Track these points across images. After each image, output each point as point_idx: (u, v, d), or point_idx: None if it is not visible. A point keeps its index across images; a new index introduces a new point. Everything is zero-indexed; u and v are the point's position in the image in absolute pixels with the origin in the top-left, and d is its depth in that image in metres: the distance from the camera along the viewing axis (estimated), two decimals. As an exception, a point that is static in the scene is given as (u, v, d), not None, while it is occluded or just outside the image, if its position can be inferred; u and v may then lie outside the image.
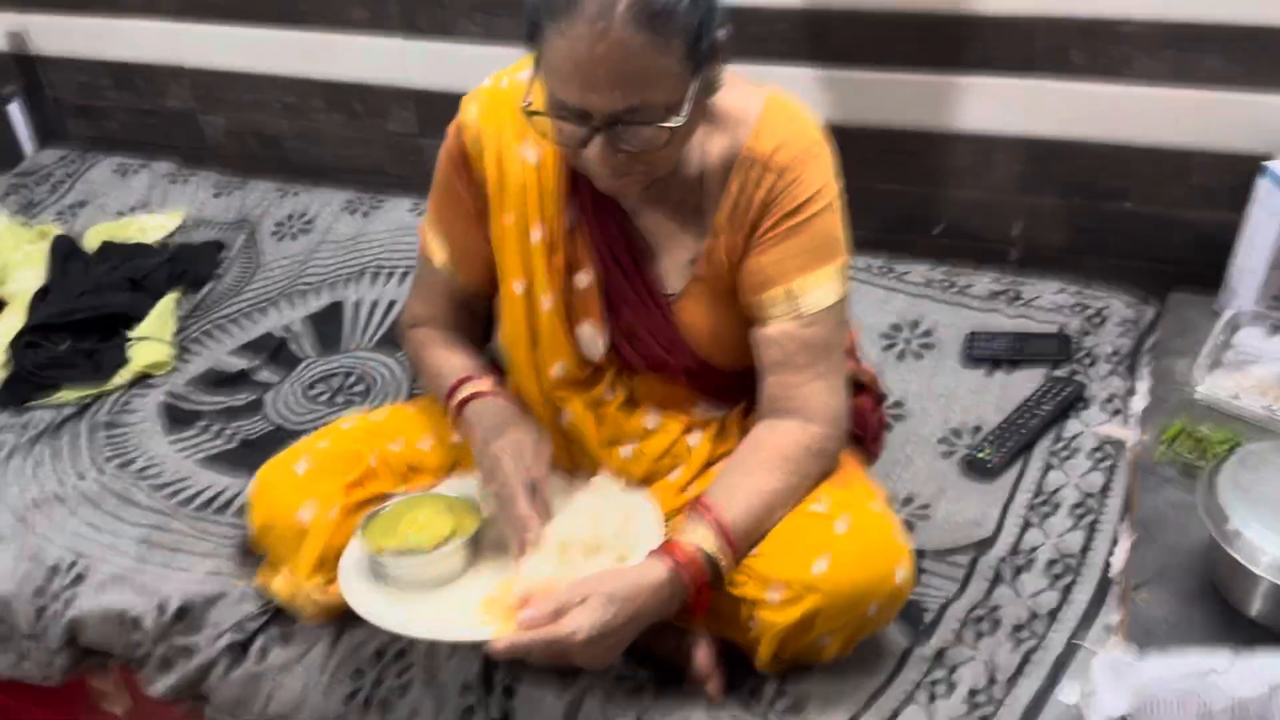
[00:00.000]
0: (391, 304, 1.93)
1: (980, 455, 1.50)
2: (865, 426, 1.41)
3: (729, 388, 1.35)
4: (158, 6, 2.36)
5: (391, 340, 1.84)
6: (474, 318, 1.43)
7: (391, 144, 2.32)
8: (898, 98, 1.85)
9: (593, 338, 1.30)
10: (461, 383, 1.33)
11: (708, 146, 1.21)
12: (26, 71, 2.58)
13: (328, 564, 1.27)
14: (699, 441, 1.35)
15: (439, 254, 1.37)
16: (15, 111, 2.56)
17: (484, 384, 1.33)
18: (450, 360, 1.37)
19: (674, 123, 1.07)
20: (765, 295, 1.22)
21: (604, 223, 1.26)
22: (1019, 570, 1.34)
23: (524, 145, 1.25)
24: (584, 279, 1.28)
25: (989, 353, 1.69)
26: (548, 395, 1.32)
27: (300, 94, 2.33)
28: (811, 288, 1.21)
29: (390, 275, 2.00)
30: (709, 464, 1.35)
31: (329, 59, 2.26)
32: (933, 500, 1.46)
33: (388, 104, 2.26)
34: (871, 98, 1.86)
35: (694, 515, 1.17)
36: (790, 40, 1.87)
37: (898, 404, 1.63)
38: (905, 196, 1.93)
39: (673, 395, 1.35)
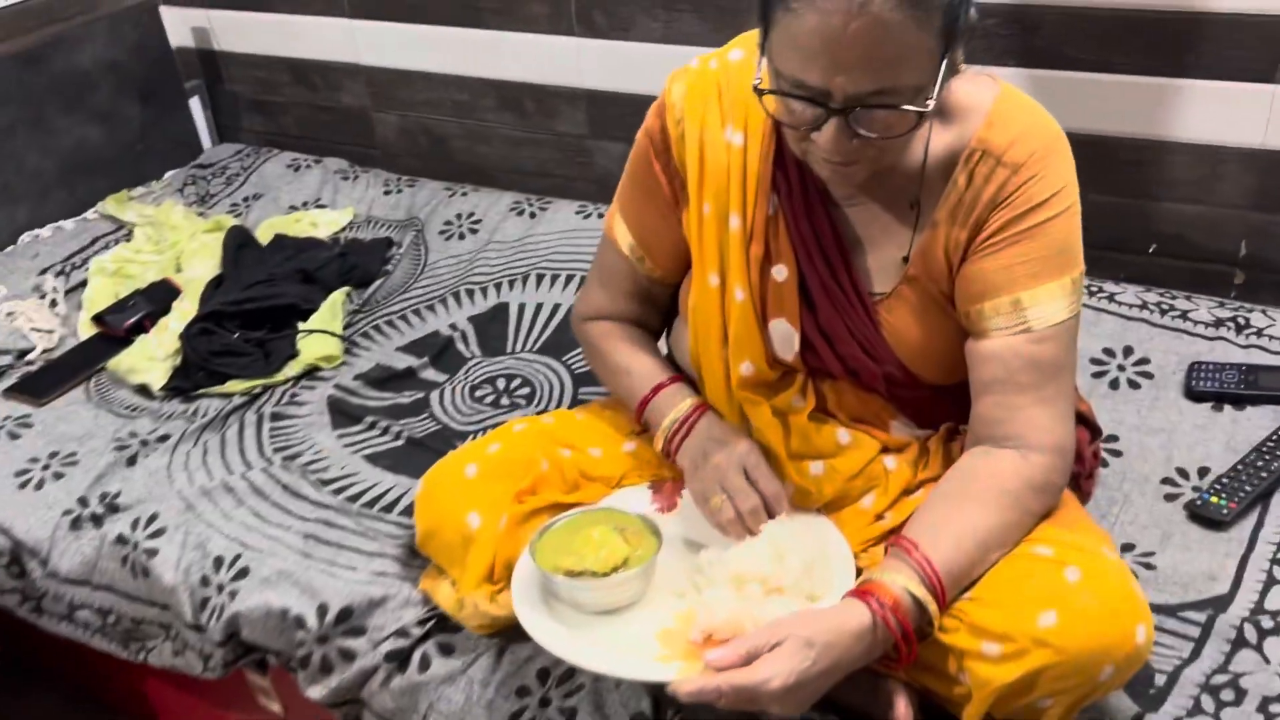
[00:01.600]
0: (556, 308, 1.87)
1: (1212, 500, 1.34)
2: (1081, 461, 1.27)
3: (933, 404, 1.23)
4: (337, 6, 2.37)
5: (557, 344, 1.78)
6: (654, 310, 1.36)
7: (560, 145, 2.27)
8: (1114, 103, 1.70)
9: (787, 335, 1.20)
10: (661, 388, 1.27)
11: (932, 135, 1.11)
12: (208, 67, 2.64)
13: (495, 574, 1.20)
14: (896, 465, 1.23)
15: (626, 239, 1.29)
16: (196, 105, 2.62)
17: (687, 395, 1.27)
18: (639, 359, 1.31)
19: (921, 107, 0.97)
20: (987, 304, 1.10)
21: (808, 212, 1.16)
22: (1265, 634, 1.17)
23: (729, 128, 1.17)
24: (782, 272, 1.19)
25: (1215, 386, 1.52)
26: (734, 398, 1.23)
27: (472, 93, 2.31)
28: (1043, 300, 1.09)
29: (556, 279, 1.95)
30: (908, 491, 1.23)
31: (503, 58, 2.22)
32: (1157, 548, 1.31)
33: (559, 104, 2.21)
34: (1085, 102, 1.71)
35: (895, 553, 1.05)
36: (997, 38, 1.73)
37: (1112, 438, 1.47)
38: (1118, 210, 1.77)
39: (869, 408, 1.24)
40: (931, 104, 0.97)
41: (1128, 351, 1.60)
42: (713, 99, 1.19)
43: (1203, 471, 1.41)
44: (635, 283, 1.32)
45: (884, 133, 0.99)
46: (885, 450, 1.25)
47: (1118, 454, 1.45)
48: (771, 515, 1.17)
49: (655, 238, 1.28)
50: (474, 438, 1.55)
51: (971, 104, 1.10)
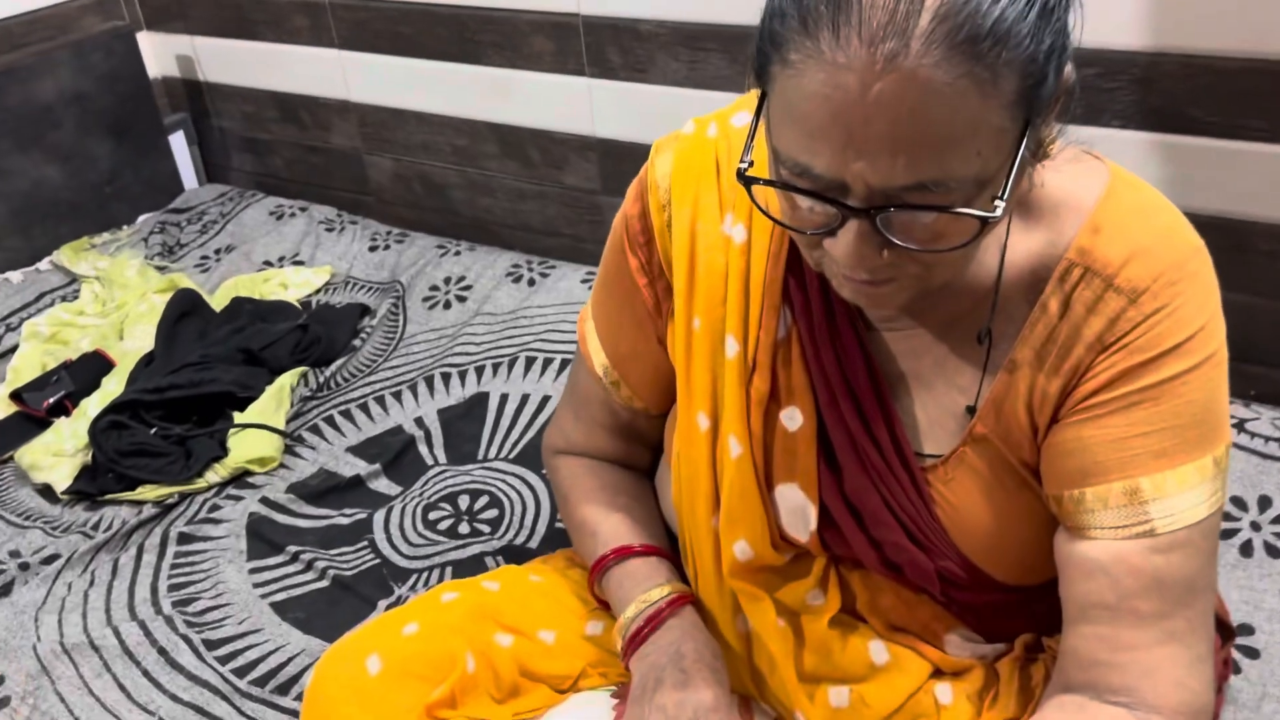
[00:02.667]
0: (544, 402, 1.55)
1: (1394, 740, 0.96)
2: (1208, 676, 0.90)
3: (1007, 612, 0.89)
4: (325, 36, 2.08)
5: (537, 453, 1.45)
6: (642, 447, 1.04)
7: (568, 200, 1.95)
8: (1252, 178, 1.33)
9: (800, 507, 0.87)
10: (623, 554, 0.96)
11: (1012, 239, 0.77)
12: (194, 99, 2.38)
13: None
14: (953, 698, 0.88)
15: (599, 358, 0.98)
16: (179, 142, 2.36)
17: (664, 575, 0.94)
18: (610, 519, 0.99)
19: (986, 210, 0.64)
20: (1090, 491, 0.75)
21: (833, 337, 0.84)
22: None
23: (728, 218, 0.86)
24: (794, 419, 0.86)
25: (1386, 559, 1.14)
26: (726, 588, 0.91)
27: (473, 137, 2.00)
28: (1173, 490, 0.74)
29: (549, 364, 1.62)
30: (969, 738, 0.88)
31: (506, 99, 1.92)
32: (1315, 808, 0.93)
33: (567, 154, 1.90)
34: (1213, 176, 1.35)
35: None
36: (1101, 92, 1.37)
37: (1245, 629, 1.10)
38: (1251, 311, 1.39)
39: (915, 614, 0.90)
40: (1001, 206, 0.64)
41: (1265, 504, 1.23)
42: (708, 177, 0.87)
43: (1375, 688, 1.03)
44: (612, 414, 1.01)
45: (929, 244, 0.66)
46: (937, 674, 0.90)
47: (1253, 654, 1.08)
48: None
49: (633, 358, 0.96)
50: (415, 583, 1.24)
51: (1068, 197, 0.77)
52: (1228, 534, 1.20)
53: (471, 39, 1.89)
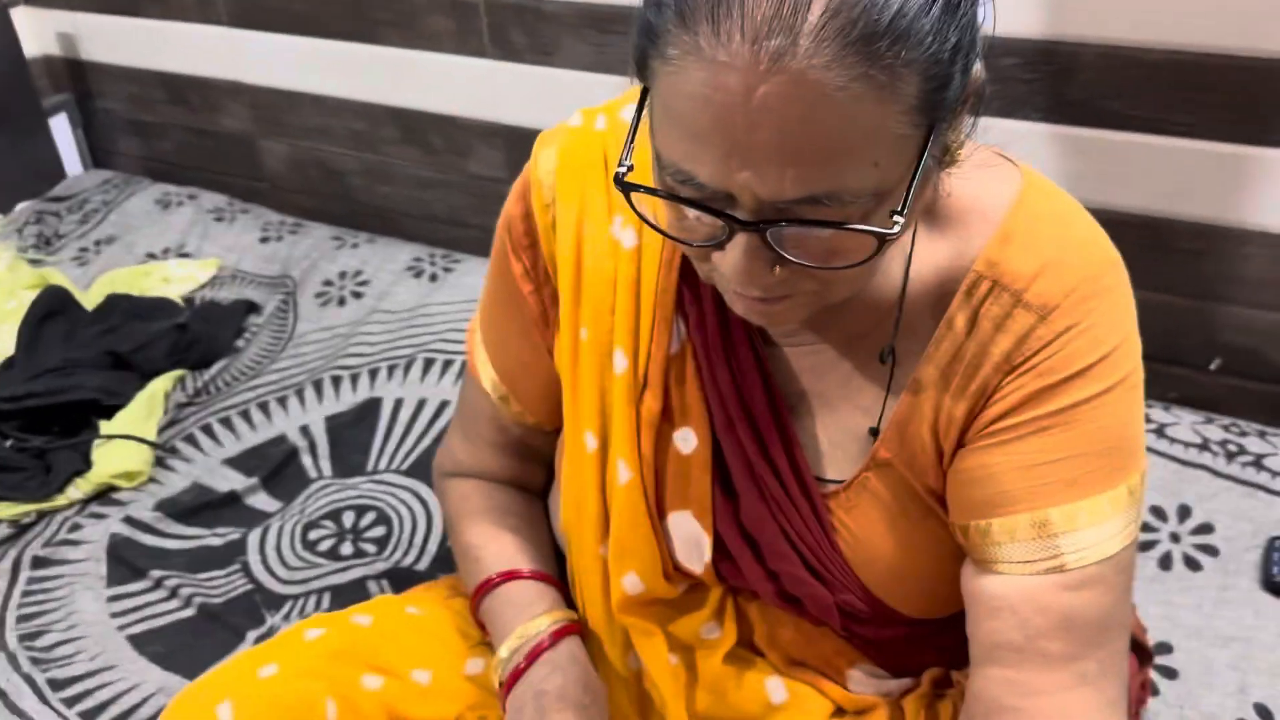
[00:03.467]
0: (443, 407, 1.46)
1: (1315, 770, 0.92)
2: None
3: (912, 646, 0.83)
4: (213, 12, 1.95)
5: (429, 466, 1.36)
6: (535, 465, 0.97)
7: (473, 189, 1.86)
8: (1173, 175, 1.29)
9: (693, 536, 0.81)
10: (511, 578, 0.88)
11: (917, 250, 0.71)
12: (77, 80, 2.23)
13: None
14: (857, 739, 0.82)
15: (487, 372, 0.90)
16: (61, 125, 2.21)
17: (549, 602, 0.87)
18: (498, 540, 0.92)
19: (885, 227, 0.57)
20: (996, 522, 0.69)
21: (729, 353, 0.77)
22: None
23: (618, 220, 0.79)
24: (688, 440, 0.79)
25: (1307, 574, 1.10)
26: (616, 622, 0.84)
27: (371, 121, 1.90)
28: (1084, 522, 0.69)
29: (448, 367, 1.53)
30: (874, 785, 0.82)
31: (404, 82, 1.81)
32: (1235, 845, 0.89)
33: (471, 140, 1.80)
34: (1131, 173, 1.30)
35: None
36: (1019, 83, 1.31)
37: (1161, 648, 1.06)
38: (1171, 313, 1.35)
39: (816, 648, 0.85)
40: (900, 222, 0.58)
41: (1184, 513, 1.19)
42: (596, 175, 0.81)
43: (1296, 711, 0.99)
44: (502, 431, 0.93)
45: (823, 260, 0.60)
46: (839, 713, 0.85)
47: (1171, 674, 1.04)
48: None
49: (521, 370, 0.89)
50: (289, 611, 1.15)
51: (976, 203, 0.71)
52: (1146, 545, 1.16)
53: (368, 17, 1.78)
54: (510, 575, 0.89)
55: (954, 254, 0.71)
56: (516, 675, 0.84)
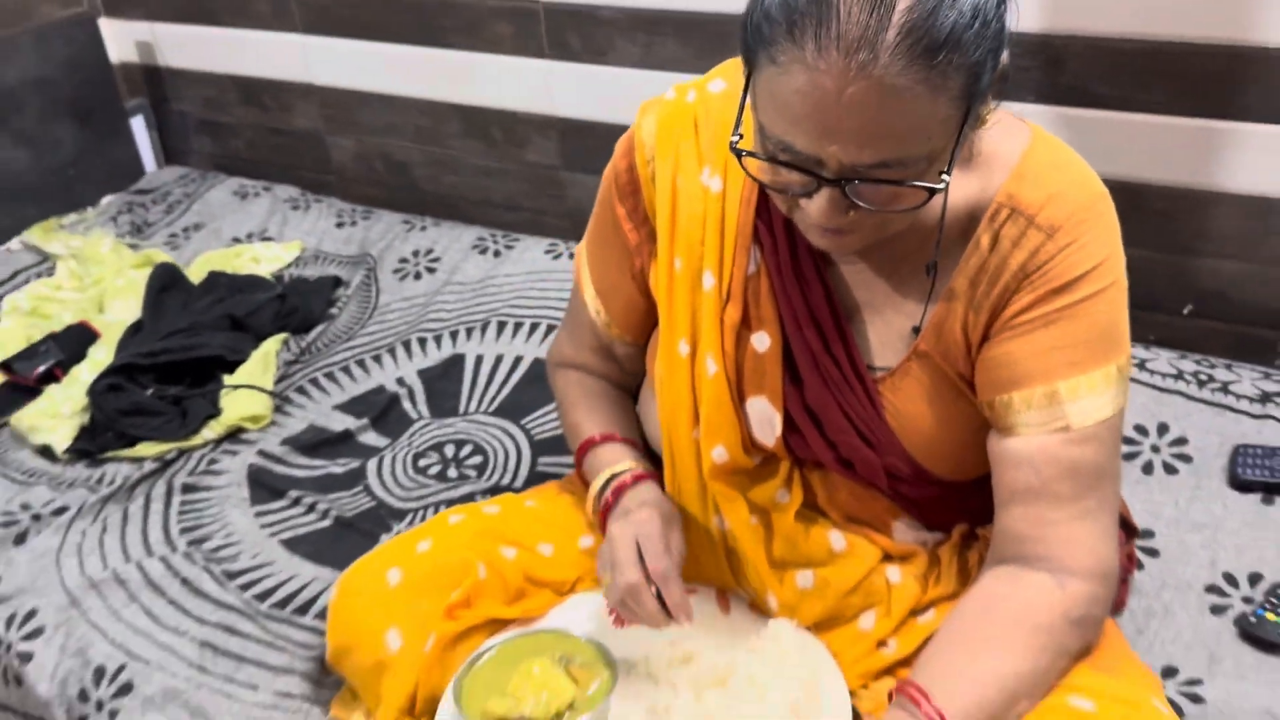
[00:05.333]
0: (518, 361, 1.67)
1: (1268, 618, 1.14)
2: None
3: (945, 505, 1.04)
4: (288, 20, 2.17)
5: (515, 406, 1.57)
6: (623, 370, 1.19)
7: (530, 176, 2.07)
8: (1148, 146, 1.51)
9: (767, 416, 1.02)
10: (595, 442, 1.12)
11: (951, 188, 0.91)
12: (153, 84, 2.44)
13: (417, 708, 1.01)
14: (901, 578, 1.04)
15: (589, 291, 1.12)
16: (139, 126, 2.42)
17: (630, 456, 1.10)
18: (594, 417, 1.15)
19: (934, 183, 0.79)
20: (1016, 395, 0.90)
21: (797, 272, 0.98)
22: (1345, 795, 0.97)
23: (706, 171, 0.99)
24: (763, 341, 1.00)
25: (1264, 475, 1.31)
26: (706, 489, 1.04)
27: (435, 118, 2.11)
28: (1083, 393, 0.89)
29: (519, 328, 1.74)
30: (915, 612, 1.03)
31: (468, 81, 2.03)
32: (1204, 675, 1.10)
33: (529, 132, 2.02)
34: (1113, 145, 1.52)
35: (902, 702, 0.87)
36: (1017, 70, 1.53)
37: (1147, 533, 1.27)
38: (1149, 265, 1.57)
39: (867, 507, 1.05)
40: (947, 180, 0.80)
41: (1163, 430, 1.40)
42: (688, 136, 1.01)
43: (1254, 579, 1.21)
44: (596, 336, 1.15)
45: (886, 206, 0.81)
46: (887, 559, 1.05)
47: (1154, 553, 1.25)
48: (661, 599, 0.96)
49: (616, 293, 1.10)
50: (411, 520, 1.35)
51: (998, 151, 0.92)
52: (1131, 456, 1.37)
53: (434, 24, 2.00)
54: (607, 438, 1.11)
55: (980, 190, 0.92)
56: (607, 508, 1.05)
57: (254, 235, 2.12)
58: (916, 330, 0.96)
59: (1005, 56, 0.81)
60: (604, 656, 0.96)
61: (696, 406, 1.03)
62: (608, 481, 1.07)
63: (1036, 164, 0.91)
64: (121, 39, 2.40)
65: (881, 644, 1.02)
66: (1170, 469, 1.36)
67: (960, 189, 0.92)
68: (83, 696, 1.17)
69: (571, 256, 1.85)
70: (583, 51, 1.87)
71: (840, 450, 1.01)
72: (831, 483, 1.05)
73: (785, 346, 1.00)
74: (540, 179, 2.06)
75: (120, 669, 1.17)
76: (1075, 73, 1.52)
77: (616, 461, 1.08)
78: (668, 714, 0.93)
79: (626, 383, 1.20)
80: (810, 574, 1.04)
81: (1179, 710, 1.05)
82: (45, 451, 1.56)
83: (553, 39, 1.89)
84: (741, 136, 0.84)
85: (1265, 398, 1.43)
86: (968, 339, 0.94)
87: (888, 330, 0.98)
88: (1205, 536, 1.26)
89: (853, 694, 0.97)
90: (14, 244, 2.13)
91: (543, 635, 1.00)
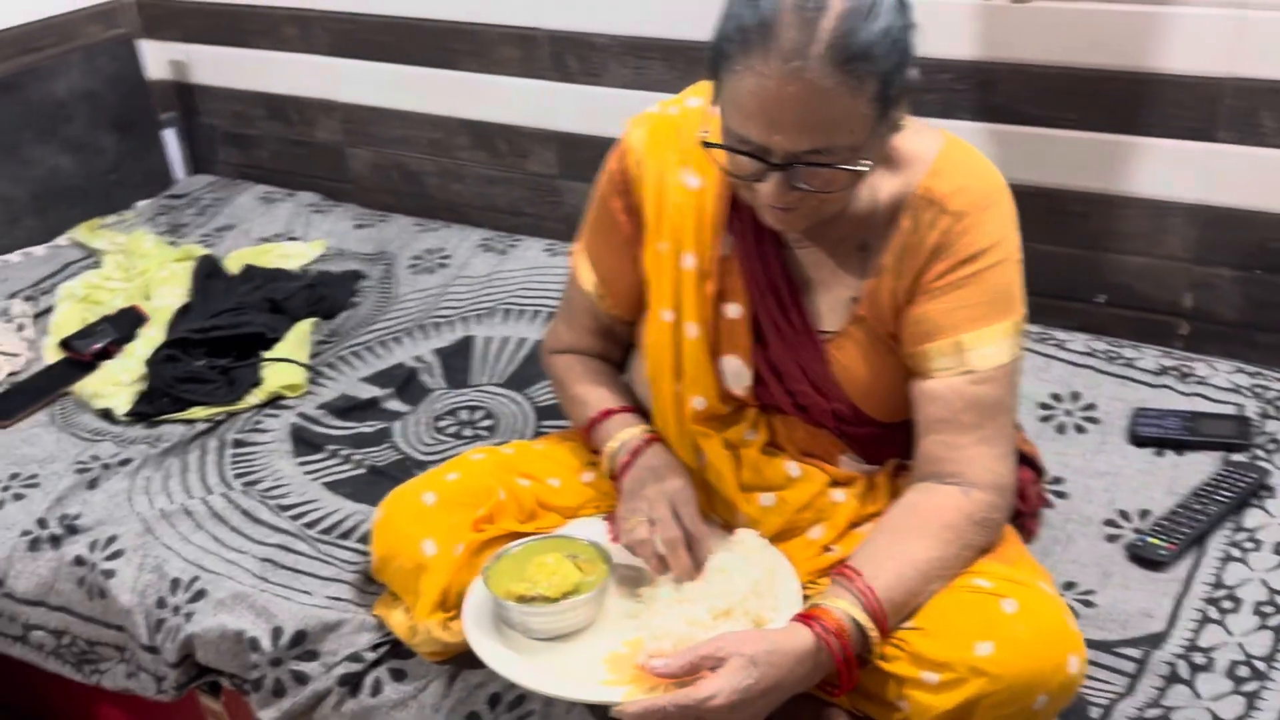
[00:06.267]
0: (522, 341, 1.90)
1: (1151, 542, 1.38)
2: (1025, 500, 1.31)
3: (880, 441, 1.27)
4: (314, 43, 2.41)
5: (521, 378, 1.81)
6: (616, 346, 1.40)
7: (530, 184, 2.31)
8: (1065, 157, 1.76)
9: (738, 371, 1.25)
10: (609, 414, 1.31)
11: (879, 184, 1.16)
12: (185, 100, 2.67)
13: (449, 602, 1.22)
14: (844, 498, 1.27)
15: (588, 278, 1.34)
16: (170, 137, 2.65)
17: (637, 423, 1.31)
18: (595, 391, 1.35)
19: (857, 166, 1.02)
20: (931, 346, 1.14)
21: (760, 253, 1.21)
22: (1196, 670, 1.21)
23: (686, 171, 1.22)
24: (734, 310, 1.24)
25: (1158, 432, 1.56)
26: (687, 431, 1.26)
27: (446, 131, 2.35)
28: (983, 342, 1.13)
29: (522, 314, 1.98)
30: (855, 524, 1.26)
31: (477, 99, 2.27)
32: (1097, 587, 1.34)
33: (530, 145, 2.26)
34: (1037, 156, 1.77)
35: (839, 580, 1.09)
36: (954, 92, 1.79)
37: (1057, 480, 1.51)
38: (1069, 261, 1.82)
39: (818, 443, 1.28)
40: (867, 165, 1.03)
41: (1075, 397, 1.65)
42: (672, 143, 1.24)
43: (1144, 514, 1.45)
44: (597, 320, 1.36)
45: (822, 187, 1.04)
46: (834, 484, 1.28)
47: (1063, 495, 1.49)
48: (694, 555, 1.19)
49: (614, 276, 1.32)
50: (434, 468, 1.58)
51: (918, 153, 1.15)
52: (1047, 418, 1.62)
53: (447, 47, 2.24)
54: (610, 411, 1.32)
55: (903, 184, 1.15)
56: (625, 466, 1.28)
57: (280, 235, 2.35)
58: (855, 300, 1.20)
59: (915, 73, 1.05)
60: (603, 554, 1.19)
61: (678, 364, 1.26)
62: (624, 443, 1.28)
63: (948, 162, 1.15)
64: (158, 58, 2.63)
65: (827, 549, 1.25)
66: (1080, 429, 1.60)
67: (888, 184, 1.15)
68: (160, 603, 1.39)
69: (568, 255, 2.09)
70: (580, 73, 2.12)
71: (797, 398, 1.25)
72: (790, 424, 1.28)
73: (753, 315, 1.23)
74: (540, 187, 2.30)
75: (194, 580, 1.39)
76: (1005, 94, 1.77)
77: (627, 426, 1.30)
78: (653, 597, 1.16)
79: (617, 360, 1.42)
80: (772, 496, 1.26)
81: (1075, 613, 1.29)
82: (106, 415, 1.78)
83: (554, 62, 2.14)
84: (709, 132, 1.08)
85: (1163, 370, 1.68)
86: (895, 303, 1.17)
87: (833, 300, 1.21)
88: (1107, 482, 1.50)
89: (803, 586, 1.20)
90: (62, 240, 2.35)
91: (553, 539, 1.23)
